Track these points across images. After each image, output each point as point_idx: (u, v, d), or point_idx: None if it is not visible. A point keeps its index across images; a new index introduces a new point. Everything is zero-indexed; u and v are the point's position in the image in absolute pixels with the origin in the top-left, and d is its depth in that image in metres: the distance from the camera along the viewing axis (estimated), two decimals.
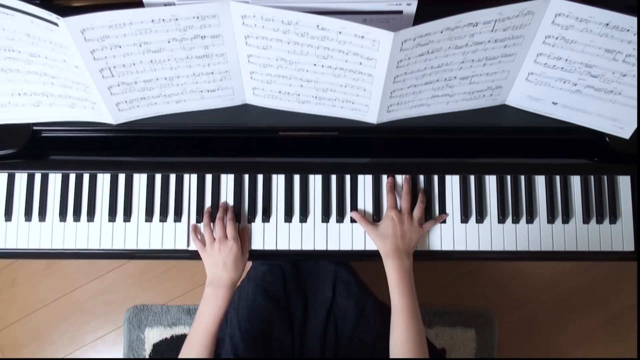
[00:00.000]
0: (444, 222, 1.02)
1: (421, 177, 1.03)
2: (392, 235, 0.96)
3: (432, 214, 1.02)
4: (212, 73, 0.90)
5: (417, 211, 0.99)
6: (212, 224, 1.00)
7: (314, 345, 1.04)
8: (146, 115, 0.96)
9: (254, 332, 1.03)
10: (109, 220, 1.02)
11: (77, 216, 1.02)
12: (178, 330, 1.70)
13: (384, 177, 1.03)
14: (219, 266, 0.95)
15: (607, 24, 0.80)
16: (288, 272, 1.12)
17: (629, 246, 1.02)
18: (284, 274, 1.11)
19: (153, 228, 1.02)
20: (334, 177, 1.03)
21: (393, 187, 1.01)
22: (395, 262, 0.93)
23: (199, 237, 1.00)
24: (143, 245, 1.02)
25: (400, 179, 1.03)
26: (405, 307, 0.90)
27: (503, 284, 1.77)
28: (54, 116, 0.95)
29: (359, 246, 1.01)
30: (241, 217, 1.02)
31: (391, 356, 0.90)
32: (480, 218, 1.02)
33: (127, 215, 1.02)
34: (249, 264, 1.24)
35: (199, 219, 1.02)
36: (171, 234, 1.02)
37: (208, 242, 0.98)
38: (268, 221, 1.02)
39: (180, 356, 0.93)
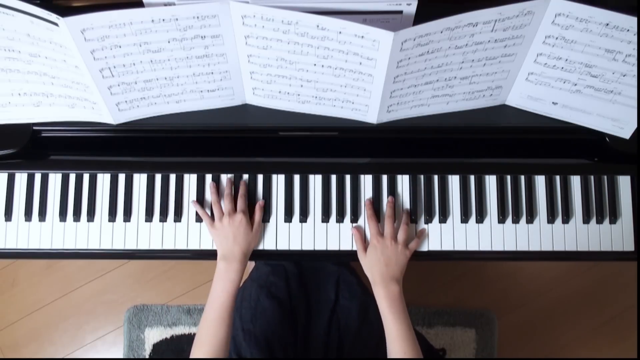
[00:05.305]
0: (445, 222, 1.02)
1: (421, 177, 1.03)
2: (377, 263, 0.95)
3: (432, 214, 1.02)
4: (212, 73, 0.90)
5: (402, 233, 0.98)
6: (221, 200, 1.00)
7: (317, 346, 1.04)
8: (146, 115, 0.96)
9: (257, 333, 1.02)
10: (109, 220, 1.02)
11: (77, 216, 1.02)
12: (178, 330, 1.70)
13: (384, 177, 1.03)
14: (230, 240, 0.95)
15: (607, 24, 0.80)
16: (291, 273, 1.12)
17: (629, 246, 1.02)
18: (287, 275, 1.11)
19: (153, 228, 1.02)
20: (334, 177, 1.03)
21: (373, 213, 1.00)
22: (382, 290, 0.93)
23: (208, 213, 1.00)
24: (143, 245, 1.02)
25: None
26: (400, 333, 0.90)
27: (503, 284, 1.77)
28: (54, 116, 0.95)
29: None
30: None
31: None
32: (480, 218, 1.02)
33: (127, 215, 1.02)
34: (252, 264, 1.24)
35: (199, 219, 1.02)
36: (171, 234, 1.02)
37: (217, 218, 0.98)
38: (268, 221, 1.02)
39: (198, 332, 0.92)
